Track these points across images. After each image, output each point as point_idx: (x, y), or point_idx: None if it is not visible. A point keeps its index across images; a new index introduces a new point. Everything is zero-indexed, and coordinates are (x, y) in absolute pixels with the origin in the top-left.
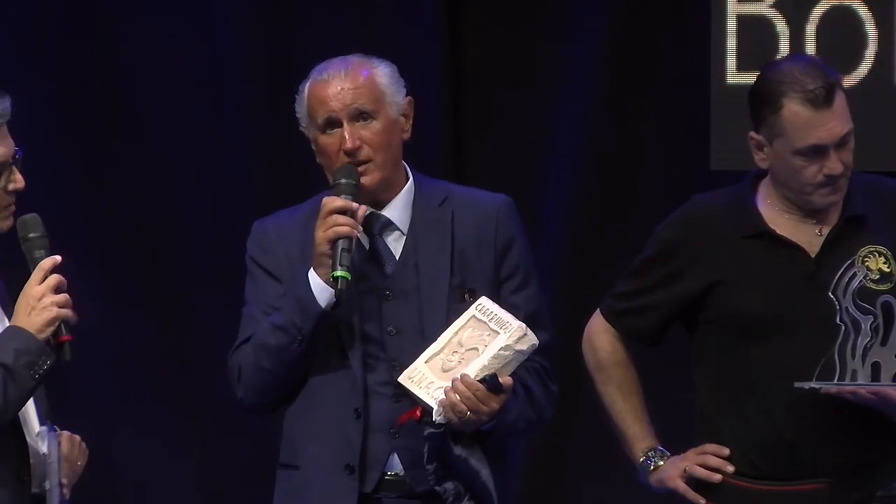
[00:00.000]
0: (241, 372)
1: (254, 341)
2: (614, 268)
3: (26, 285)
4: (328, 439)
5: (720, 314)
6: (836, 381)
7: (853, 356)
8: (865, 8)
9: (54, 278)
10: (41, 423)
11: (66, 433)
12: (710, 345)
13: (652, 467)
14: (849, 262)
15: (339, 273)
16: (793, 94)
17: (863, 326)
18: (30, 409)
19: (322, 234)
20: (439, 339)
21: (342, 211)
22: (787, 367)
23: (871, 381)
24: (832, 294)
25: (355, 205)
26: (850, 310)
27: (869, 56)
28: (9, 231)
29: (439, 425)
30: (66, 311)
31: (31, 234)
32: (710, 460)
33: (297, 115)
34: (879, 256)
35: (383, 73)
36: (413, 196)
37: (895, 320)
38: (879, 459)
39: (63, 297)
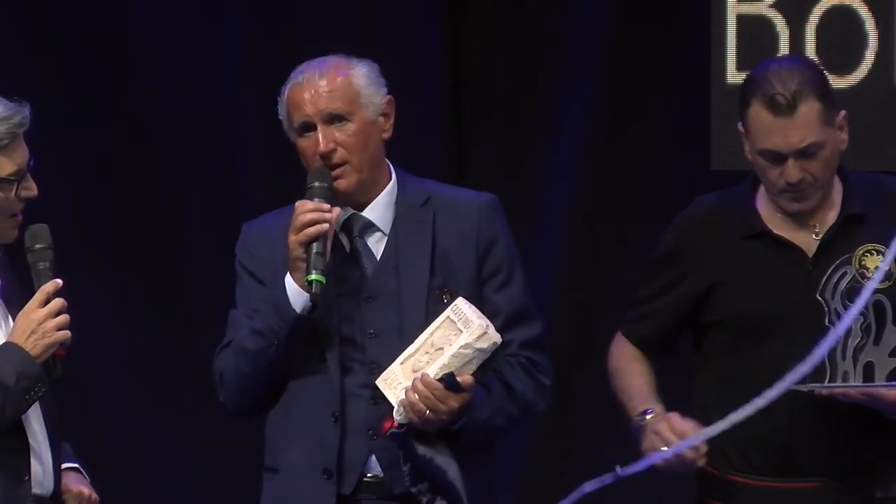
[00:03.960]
0: (222, 376)
1: (234, 346)
2: (613, 268)
3: (27, 306)
4: (306, 443)
5: (720, 315)
6: (826, 383)
7: (843, 357)
8: (865, 8)
9: (56, 303)
10: (46, 427)
11: (75, 488)
12: (713, 345)
13: (643, 422)
14: (837, 262)
15: (312, 277)
16: (759, 94)
17: (852, 327)
18: (33, 409)
19: (294, 237)
20: (416, 342)
21: (314, 213)
22: (781, 368)
23: (864, 380)
24: (820, 297)
25: (326, 206)
26: (840, 311)
27: (869, 56)
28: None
29: (401, 425)
30: (65, 333)
31: (38, 246)
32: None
33: (280, 117)
34: (877, 255)
35: (360, 74)
36: (396, 196)
37: (887, 319)
38: (879, 460)
39: (63, 318)
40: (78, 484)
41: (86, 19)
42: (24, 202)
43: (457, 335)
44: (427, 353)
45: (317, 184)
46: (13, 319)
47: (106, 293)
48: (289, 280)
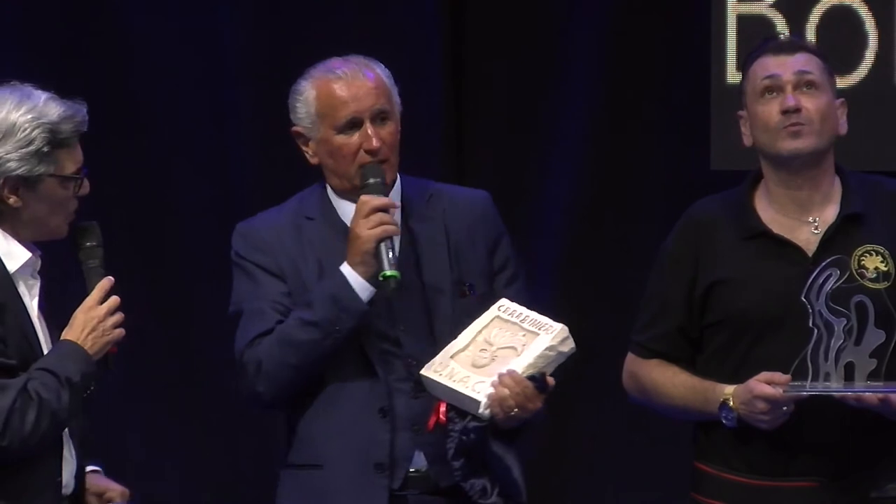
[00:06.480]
0: (261, 366)
1: (279, 338)
2: (614, 267)
3: (86, 303)
4: (353, 438)
5: (720, 316)
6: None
7: (826, 359)
8: (865, 8)
9: (113, 300)
10: (70, 427)
11: (102, 486)
12: (710, 345)
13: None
14: (824, 263)
15: (391, 273)
16: (763, 48)
17: (836, 329)
18: None
19: (370, 232)
20: (462, 337)
21: (384, 209)
22: (776, 367)
23: (845, 381)
24: (805, 298)
25: (396, 203)
26: (823, 313)
27: (869, 56)
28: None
29: (482, 420)
30: (121, 331)
31: (88, 243)
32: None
33: (299, 115)
34: (876, 255)
35: (386, 74)
36: (402, 194)
37: (869, 320)
38: (874, 461)
39: (120, 316)
40: (107, 482)
41: (84, 16)
42: (78, 201)
43: (528, 336)
44: (484, 350)
45: (373, 180)
46: (46, 321)
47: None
48: (350, 273)
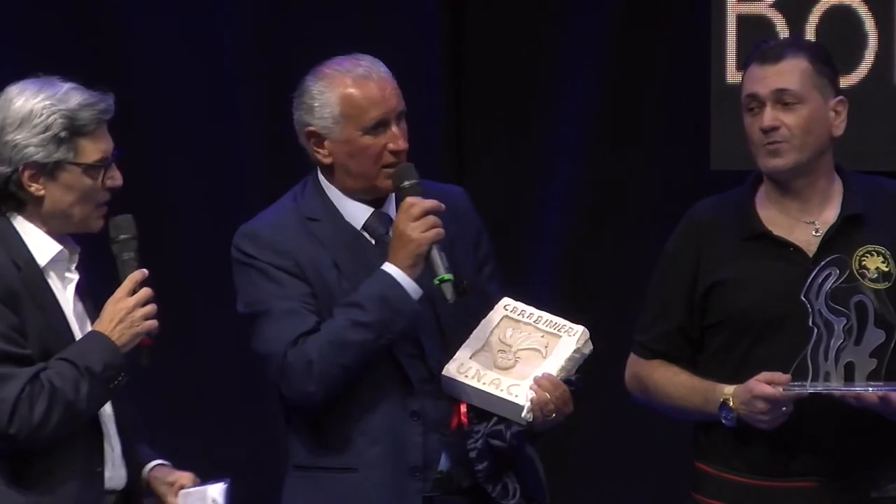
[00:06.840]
0: (312, 366)
1: (329, 338)
2: (614, 267)
3: (116, 294)
4: (390, 442)
5: (721, 316)
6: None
7: (826, 358)
8: (865, 8)
9: (144, 292)
10: (115, 419)
11: (169, 478)
12: (710, 346)
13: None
14: (823, 262)
15: (448, 276)
16: (755, 54)
17: (835, 328)
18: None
19: (423, 235)
20: (474, 337)
21: (433, 212)
22: (776, 367)
23: (845, 380)
24: (804, 297)
25: (442, 206)
26: (823, 312)
27: (869, 56)
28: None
29: (521, 423)
30: (152, 323)
31: (122, 236)
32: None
33: (317, 116)
34: (877, 256)
35: (391, 74)
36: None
37: (868, 320)
38: (874, 461)
39: (151, 308)
40: (174, 472)
41: (84, 17)
42: (109, 192)
43: (549, 337)
44: (502, 350)
45: (409, 182)
46: (88, 316)
47: (101, 290)
48: (399, 273)
